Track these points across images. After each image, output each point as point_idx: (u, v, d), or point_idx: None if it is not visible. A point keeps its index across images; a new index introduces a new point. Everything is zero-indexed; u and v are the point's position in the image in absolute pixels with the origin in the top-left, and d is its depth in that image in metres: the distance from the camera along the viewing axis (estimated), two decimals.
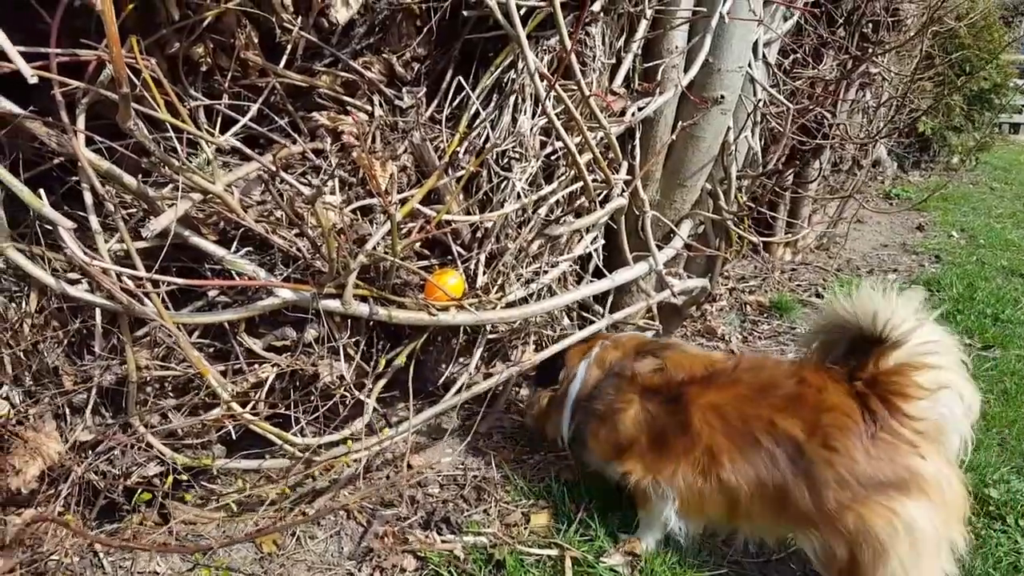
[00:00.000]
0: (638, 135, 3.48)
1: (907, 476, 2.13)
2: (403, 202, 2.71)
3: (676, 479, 2.47)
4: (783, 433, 2.27)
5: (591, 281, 3.43)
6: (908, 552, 2.10)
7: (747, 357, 2.77)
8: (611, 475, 2.73)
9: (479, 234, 3.01)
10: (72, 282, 2.32)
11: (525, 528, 2.79)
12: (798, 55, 4.60)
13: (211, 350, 2.67)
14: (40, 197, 2.14)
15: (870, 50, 5.09)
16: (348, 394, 2.82)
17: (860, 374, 2.28)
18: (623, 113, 3.27)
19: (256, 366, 2.70)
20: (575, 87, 2.82)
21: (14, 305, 2.37)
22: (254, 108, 2.57)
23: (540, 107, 2.92)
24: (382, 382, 2.92)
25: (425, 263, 2.94)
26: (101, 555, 2.58)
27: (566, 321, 3.49)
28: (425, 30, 2.85)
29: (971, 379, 2.29)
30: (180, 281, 2.31)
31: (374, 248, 2.54)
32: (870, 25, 5.28)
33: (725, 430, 2.37)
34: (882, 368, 2.23)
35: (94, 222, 2.26)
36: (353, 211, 2.75)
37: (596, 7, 3.06)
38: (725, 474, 2.35)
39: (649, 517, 2.64)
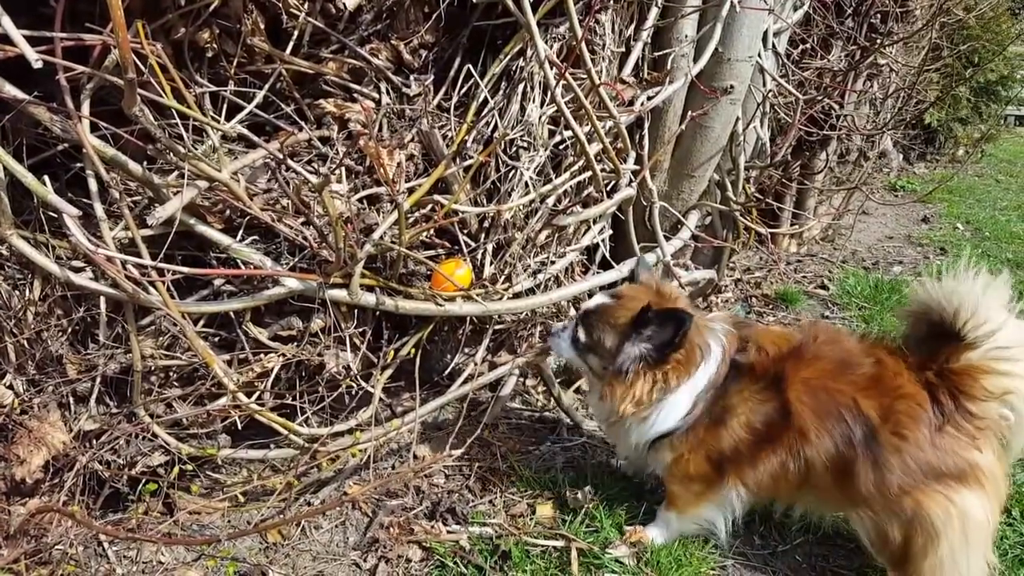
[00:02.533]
0: (647, 125, 3.45)
1: (966, 468, 2.18)
2: (410, 191, 2.68)
3: (761, 472, 2.41)
4: (863, 413, 2.27)
5: (598, 272, 3.40)
6: (960, 538, 2.17)
7: (820, 327, 2.70)
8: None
9: (486, 224, 2.99)
10: (76, 270, 2.30)
11: (531, 519, 2.78)
12: (807, 45, 4.57)
13: (216, 339, 2.65)
14: (44, 183, 2.12)
15: (878, 41, 5.04)
16: (354, 384, 2.80)
17: (932, 365, 2.30)
18: (632, 102, 3.24)
19: (262, 356, 2.68)
20: (585, 76, 2.79)
21: (18, 293, 2.35)
22: (260, 94, 2.54)
23: (549, 95, 2.89)
24: (388, 372, 2.90)
25: (432, 253, 2.92)
26: (106, 545, 2.56)
27: (572, 312, 3.47)
28: (433, 16, 2.81)
29: None
30: (185, 270, 2.29)
31: (381, 237, 2.51)
32: (879, 16, 5.23)
33: (814, 406, 2.32)
34: (953, 365, 2.25)
35: (99, 209, 2.24)
36: (360, 200, 2.73)
37: None
38: (810, 451, 2.32)
39: (689, 521, 2.61)
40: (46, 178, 2.15)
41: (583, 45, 2.60)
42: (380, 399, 2.88)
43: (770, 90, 3.73)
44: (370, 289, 2.64)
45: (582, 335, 2.53)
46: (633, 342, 2.40)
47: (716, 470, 2.48)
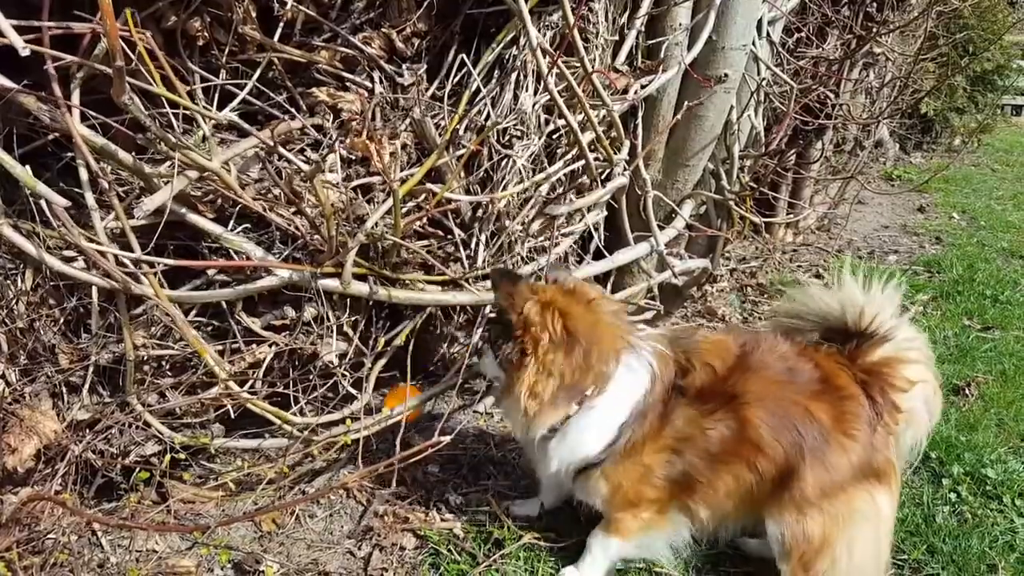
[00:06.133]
0: (640, 114, 3.44)
1: (886, 465, 2.25)
2: (403, 181, 2.67)
3: (717, 491, 2.32)
4: (815, 419, 2.26)
5: (590, 262, 3.40)
6: (874, 532, 2.24)
7: (754, 334, 2.68)
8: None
9: (480, 213, 2.98)
10: (68, 260, 2.30)
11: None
12: (802, 34, 4.55)
13: (209, 329, 2.65)
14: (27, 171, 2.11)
15: (874, 30, 5.03)
16: (347, 373, 2.80)
17: (858, 362, 2.33)
18: (626, 91, 3.23)
19: (254, 345, 2.68)
20: (578, 64, 2.78)
21: (9, 283, 2.34)
22: (251, 82, 2.53)
23: (542, 84, 2.88)
24: (382, 361, 2.90)
25: (425, 243, 2.91)
26: (99, 534, 2.57)
27: None
28: (425, 4, 2.80)
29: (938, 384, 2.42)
30: (172, 262, 2.29)
31: (374, 226, 2.51)
32: (874, 4, 5.22)
33: (771, 420, 2.27)
34: (871, 360, 2.31)
35: (90, 199, 2.23)
36: (353, 189, 2.72)
37: None
38: (764, 463, 2.26)
39: (631, 547, 2.46)
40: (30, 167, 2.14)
41: (576, 33, 2.59)
42: (374, 388, 2.88)
43: (765, 79, 3.72)
44: (363, 278, 2.64)
45: (493, 349, 2.39)
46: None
47: (666, 495, 2.35)
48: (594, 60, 3.10)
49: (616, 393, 2.27)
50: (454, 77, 2.97)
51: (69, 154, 2.30)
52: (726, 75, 3.37)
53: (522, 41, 2.90)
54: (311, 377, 2.75)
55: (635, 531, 2.40)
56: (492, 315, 2.43)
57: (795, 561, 2.26)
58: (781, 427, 2.25)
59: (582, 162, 3.06)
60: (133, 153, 2.24)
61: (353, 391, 2.84)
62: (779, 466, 2.25)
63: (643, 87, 3.26)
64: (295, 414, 2.69)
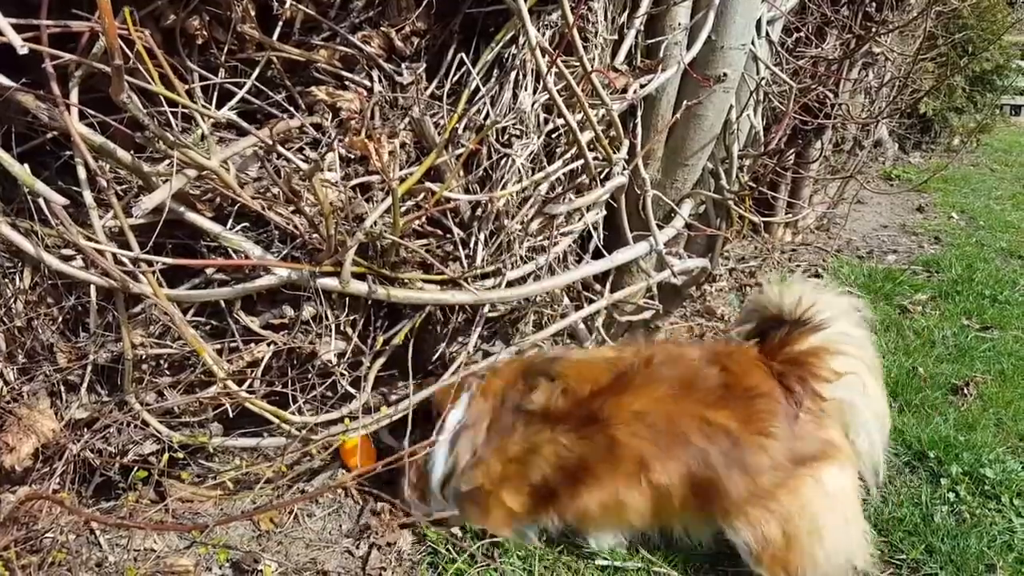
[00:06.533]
0: (640, 113, 3.44)
1: (823, 447, 2.28)
2: (402, 180, 2.67)
3: (583, 504, 2.43)
4: (717, 427, 2.28)
5: (589, 261, 3.40)
6: (831, 508, 2.26)
7: (657, 347, 2.72)
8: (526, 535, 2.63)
9: (479, 212, 2.98)
10: (66, 258, 2.29)
11: None
12: (801, 34, 4.55)
13: (207, 328, 2.65)
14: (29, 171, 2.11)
15: (873, 29, 5.03)
16: (346, 372, 2.80)
17: (777, 353, 2.37)
18: (625, 90, 3.22)
19: (253, 344, 2.68)
20: (577, 63, 2.77)
21: (7, 281, 2.34)
22: (249, 81, 2.53)
23: (541, 83, 2.87)
24: (380, 360, 2.90)
25: (424, 242, 2.91)
26: (97, 533, 2.57)
27: (566, 300, 3.46)
28: (424, 4, 2.79)
29: (880, 381, 2.46)
30: (171, 261, 2.29)
31: (373, 225, 2.51)
32: (874, 4, 5.22)
33: (653, 436, 2.32)
34: (798, 348, 2.35)
35: (88, 197, 2.22)
36: (351, 188, 2.72)
37: None
38: (659, 478, 2.31)
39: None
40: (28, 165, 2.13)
41: (575, 32, 2.59)
42: (373, 388, 2.88)
43: (764, 78, 3.71)
44: (361, 277, 2.64)
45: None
46: None
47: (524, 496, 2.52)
48: (593, 59, 3.09)
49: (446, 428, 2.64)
50: (453, 76, 2.96)
51: (67, 152, 2.29)
52: (725, 74, 3.36)
53: (521, 40, 2.89)
54: (310, 376, 2.75)
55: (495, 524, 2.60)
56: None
57: (767, 563, 2.29)
58: (670, 443, 2.30)
59: (581, 161, 3.06)
60: (132, 151, 2.23)
61: (352, 390, 2.84)
62: (685, 479, 2.30)
63: (642, 86, 3.25)
64: (293, 413, 2.69)
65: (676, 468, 2.30)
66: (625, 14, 3.26)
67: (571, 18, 2.52)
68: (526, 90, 2.94)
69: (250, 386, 2.67)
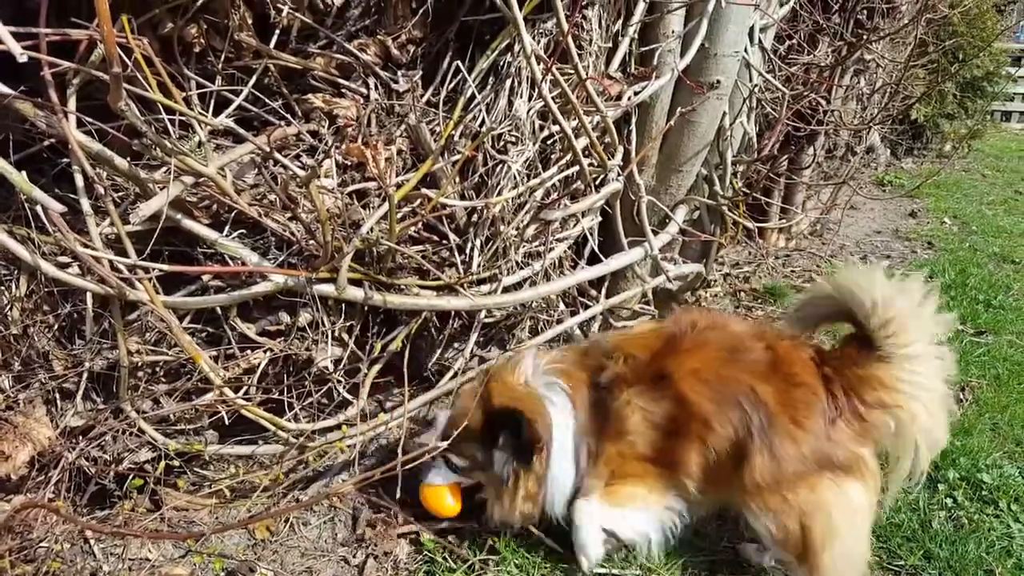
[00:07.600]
0: (634, 120, 3.45)
1: (854, 460, 2.22)
2: (399, 186, 2.68)
3: (691, 463, 2.36)
4: (761, 400, 2.25)
5: (585, 267, 3.41)
6: (849, 523, 2.22)
7: (697, 314, 2.69)
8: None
9: (475, 218, 2.99)
10: (63, 265, 2.29)
11: None
12: (793, 41, 4.58)
13: (204, 335, 2.64)
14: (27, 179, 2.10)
15: (865, 37, 5.06)
16: (343, 379, 2.80)
17: (833, 361, 2.31)
18: (619, 97, 3.24)
19: (249, 351, 2.67)
20: (572, 71, 2.79)
21: (3, 289, 2.33)
22: (247, 89, 2.53)
23: (536, 90, 2.89)
24: (377, 367, 2.90)
25: (420, 248, 2.91)
26: (92, 542, 2.55)
27: (561, 306, 3.47)
28: (421, 12, 2.81)
29: (941, 416, 2.29)
30: (168, 268, 2.28)
31: (369, 231, 2.51)
32: (865, 12, 5.25)
33: (711, 394, 2.30)
34: (858, 369, 2.26)
35: (85, 205, 2.22)
36: (348, 195, 2.72)
37: None
38: (714, 439, 2.29)
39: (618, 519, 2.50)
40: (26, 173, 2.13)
41: (570, 40, 2.61)
42: (369, 394, 2.87)
43: (756, 85, 3.74)
44: (358, 283, 2.64)
45: (456, 460, 2.58)
46: (499, 447, 2.45)
47: (652, 469, 2.43)
48: (588, 67, 3.11)
49: (556, 435, 2.44)
50: (449, 83, 2.98)
51: (65, 160, 2.29)
52: (718, 81, 3.39)
53: (516, 48, 2.91)
54: (306, 383, 2.75)
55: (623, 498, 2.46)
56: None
57: (790, 552, 2.30)
58: (724, 402, 2.28)
59: (576, 168, 3.07)
60: (129, 159, 2.24)
61: (348, 397, 2.83)
62: (731, 443, 2.28)
63: (636, 93, 3.28)
64: (290, 420, 2.69)
65: (728, 430, 2.27)
66: (619, 22, 3.28)
67: (566, 26, 2.53)
68: (521, 97, 2.96)
69: (246, 393, 2.67)
